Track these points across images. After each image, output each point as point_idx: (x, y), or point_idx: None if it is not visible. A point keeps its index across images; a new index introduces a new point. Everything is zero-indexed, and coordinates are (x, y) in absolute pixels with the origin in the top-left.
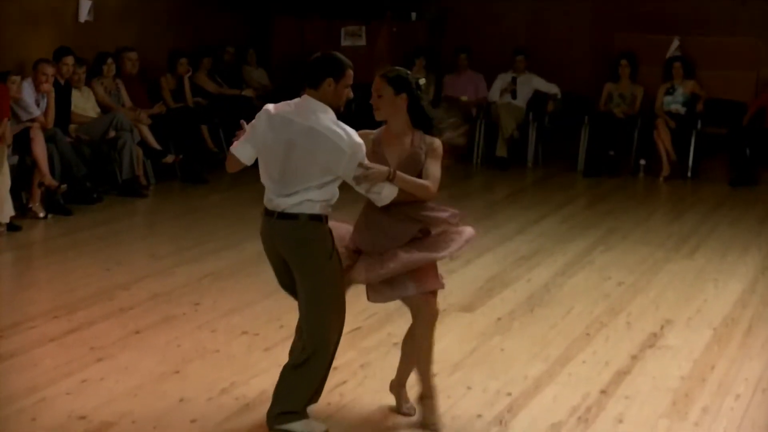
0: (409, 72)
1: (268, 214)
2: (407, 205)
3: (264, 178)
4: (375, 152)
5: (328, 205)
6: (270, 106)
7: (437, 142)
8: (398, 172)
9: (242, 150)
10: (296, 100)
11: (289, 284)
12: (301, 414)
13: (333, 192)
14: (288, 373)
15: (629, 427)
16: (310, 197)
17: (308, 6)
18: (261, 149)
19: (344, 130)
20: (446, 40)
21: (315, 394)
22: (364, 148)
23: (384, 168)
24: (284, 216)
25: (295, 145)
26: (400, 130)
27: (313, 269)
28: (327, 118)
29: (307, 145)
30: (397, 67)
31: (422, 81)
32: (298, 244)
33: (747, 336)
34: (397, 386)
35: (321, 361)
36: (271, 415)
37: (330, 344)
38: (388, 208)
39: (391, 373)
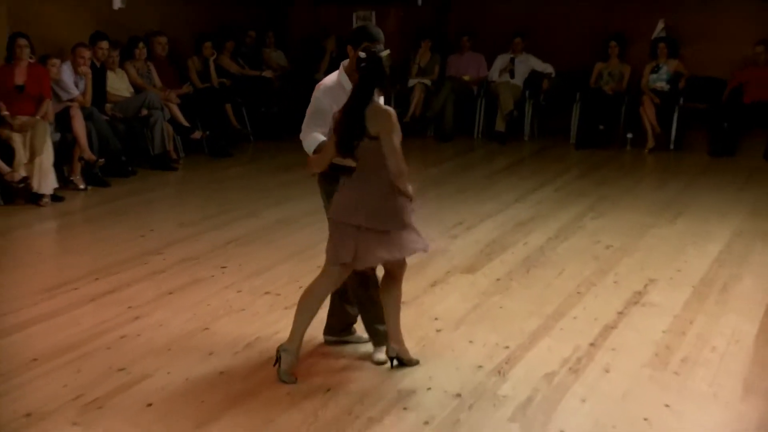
0: (373, 50)
1: None
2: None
3: None
4: None
5: None
6: None
7: None
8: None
9: None
10: None
11: None
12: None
13: None
14: None
15: (615, 376)
16: None
17: None
18: None
19: (317, 91)
20: (450, 23)
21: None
22: (311, 109)
23: None
24: None
25: None
26: None
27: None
28: (326, 79)
29: None
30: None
31: (384, 53)
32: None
33: (723, 293)
34: (395, 342)
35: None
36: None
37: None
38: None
39: (403, 328)
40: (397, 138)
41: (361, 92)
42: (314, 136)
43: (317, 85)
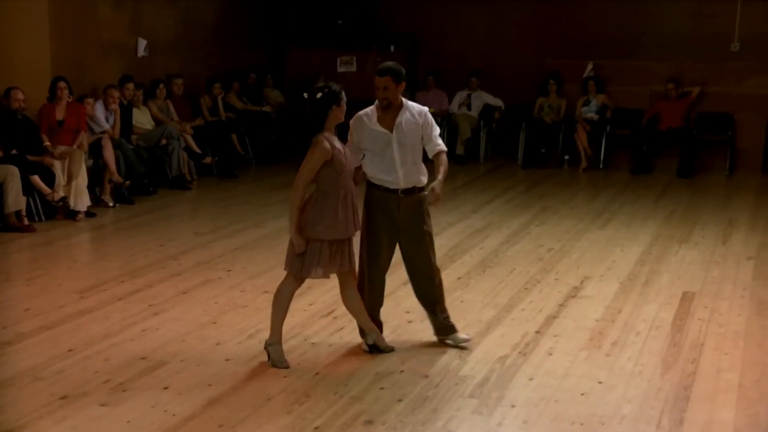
0: (316, 90)
1: None
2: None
3: None
4: None
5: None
6: None
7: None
8: None
9: None
10: None
11: None
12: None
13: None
14: None
15: (557, 357)
16: None
17: (312, 40)
18: None
19: None
20: (418, 66)
21: None
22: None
23: None
24: None
25: None
26: None
27: None
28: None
29: None
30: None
31: (318, 95)
32: None
33: (645, 287)
34: (372, 333)
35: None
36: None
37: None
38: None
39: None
40: (310, 163)
41: (308, 124)
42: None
43: None
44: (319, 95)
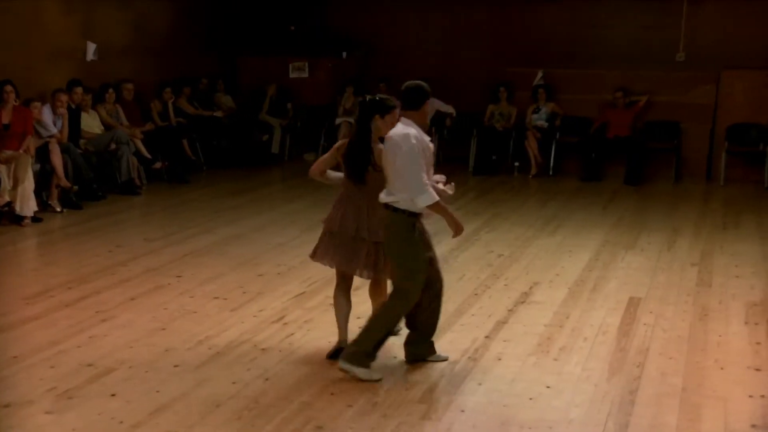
0: (376, 95)
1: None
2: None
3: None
4: None
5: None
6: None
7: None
8: None
9: None
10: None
11: None
12: (368, 357)
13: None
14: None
15: (507, 362)
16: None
17: (265, 46)
18: None
19: (411, 140)
20: (370, 72)
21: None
22: (414, 158)
23: None
24: None
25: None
26: None
27: (393, 248)
28: (401, 130)
29: None
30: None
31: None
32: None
33: (593, 292)
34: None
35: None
36: (346, 352)
37: (400, 306)
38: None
39: (331, 327)
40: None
41: (356, 127)
42: (433, 193)
43: (405, 138)
44: (367, 99)
